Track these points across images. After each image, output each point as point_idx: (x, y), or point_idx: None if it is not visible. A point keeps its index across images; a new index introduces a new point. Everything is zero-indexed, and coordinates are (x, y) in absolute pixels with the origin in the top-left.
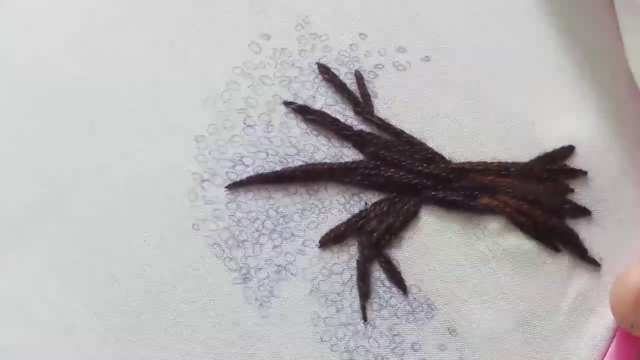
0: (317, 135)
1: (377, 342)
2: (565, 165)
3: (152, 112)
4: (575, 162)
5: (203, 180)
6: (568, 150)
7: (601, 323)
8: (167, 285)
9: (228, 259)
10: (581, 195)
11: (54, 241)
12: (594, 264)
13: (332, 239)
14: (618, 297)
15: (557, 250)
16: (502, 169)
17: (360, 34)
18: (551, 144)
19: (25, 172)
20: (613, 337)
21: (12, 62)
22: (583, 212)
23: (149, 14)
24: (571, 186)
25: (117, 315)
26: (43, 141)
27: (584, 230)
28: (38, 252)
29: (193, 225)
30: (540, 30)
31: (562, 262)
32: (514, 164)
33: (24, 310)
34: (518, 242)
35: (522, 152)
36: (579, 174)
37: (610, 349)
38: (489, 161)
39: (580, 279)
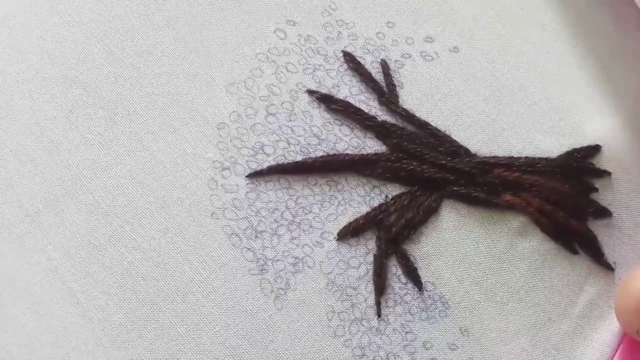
0: (340, 125)
1: (390, 339)
2: (591, 163)
3: (173, 99)
4: (600, 162)
5: (224, 169)
6: (594, 149)
7: (609, 329)
8: (184, 274)
9: (246, 249)
10: (604, 196)
11: (72, 228)
12: (608, 267)
13: (350, 232)
14: (623, 304)
15: (575, 252)
16: (528, 165)
17: (388, 22)
18: (578, 142)
19: (45, 160)
20: (620, 344)
21: (34, 49)
22: (604, 213)
23: (172, 1)
24: (595, 186)
25: (134, 302)
26: (63, 129)
27: (602, 232)
28: (56, 240)
29: (212, 214)
30: (569, 26)
31: (577, 266)
32: (540, 159)
33: (42, 298)
34: (537, 243)
35: (549, 148)
36: (603, 174)
37: (616, 356)
38: (515, 156)
39: (594, 285)
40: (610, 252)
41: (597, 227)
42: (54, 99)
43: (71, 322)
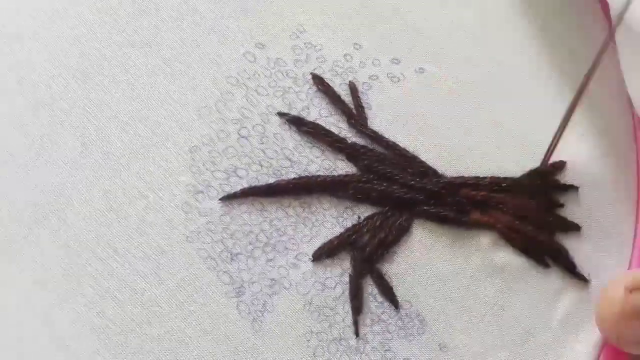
0: (311, 147)
1: (369, 357)
2: (557, 180)
3: (145, 123)
4: (567, 178)
5: (197, 192)
6: (559, 165)
7: (589, 339)
8: (160, 298)
9: (222, 272)
10: (571, 210)
11: (45, 255)
12: (582, 279)
13: (325, 253)
14: (603, 311)
15: (546, 266)
16: (494, 184)
17: (355, 44)
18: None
19: (17, 186)
20: (600, 354)
21: (7, 73)
22: (573, 227)
23: (143, 23)
24: (562, 201)
25: (112, 328)
26: (35, 154)
27: (573, 245)
28: (29, 267)
29: (187, 237)
30: (533, 45)
31: (551, 279)
32: (505, 179)
33: (18, 326)
34: (508, 258)
35: (514, 166)
36: (570, 189)
37: None
38: (481, 176)
39: (569, 296)
40: (584, 264)
41: (568, 241)
42: (24, 125)
43: (47, 350)
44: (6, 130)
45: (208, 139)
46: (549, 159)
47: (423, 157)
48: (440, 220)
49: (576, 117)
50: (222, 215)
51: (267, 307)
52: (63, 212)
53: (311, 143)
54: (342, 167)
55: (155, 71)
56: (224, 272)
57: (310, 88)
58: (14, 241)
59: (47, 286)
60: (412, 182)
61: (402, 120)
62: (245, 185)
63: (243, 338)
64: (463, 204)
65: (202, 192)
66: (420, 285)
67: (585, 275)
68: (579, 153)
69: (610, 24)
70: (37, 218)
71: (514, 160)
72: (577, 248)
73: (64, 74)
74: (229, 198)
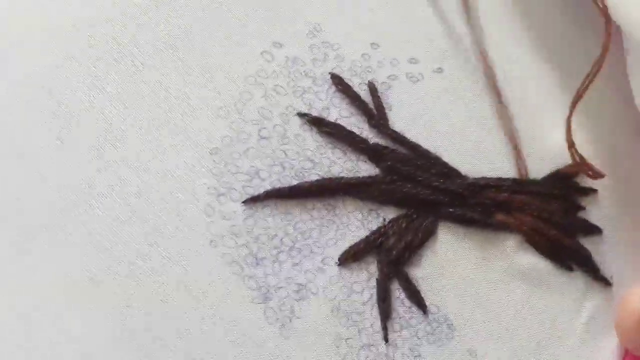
0: (332, 149)
1: None
2: (576, 182)
3: (164, 125)
4: (586, 180)
5: (219, 195)
6: (579, 168)
7: (612, 344)
8: (186, 306)
9: (247, 278)
10: (592, 213)
11: (65, 261)
12: (606, 283)
13: (351, 257)
14: (622, 320)
15: (570, 269)
16: (516, 185)
17: (372, 43)
18: (562, 161)
19: (35, 189)
20: (624, 356)
21: (23, 77)
22: (594, 231)
23: (159, 24)
24: (582, 204)
25: (136, 338)
26: (53, 157)
27: (595, 249)
28: (48, 273)
29: (211, 241)
30: (552, 45)
31: (575, 282)
32: (527, 180)
33: (37, 335)
34: (533, 261)
35: (533, 168)
36: (590, 192)
37: None
38: (503, 177)
39: (594, 299)
40: (606, 268)
41: (590, 244)
42: (39, 127)
43: (63, 355)
44: (26, 132)
45: (229, 140)
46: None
47: (445, 158)
48: (466, 222)
49: (596, 118)
50: (245, 218)
51: (295, 313)
52: (82, 216)
53: (333, 144)
54: (365, 168)
55: (172, 72)
56: (250, 277)
57: (329, 88)
58: (32, 246)
59: (67, 294)
60: (436, 184)
61: (423, 120)
62: (268, 187)
63: (272, 345)
64: (487, 205)
65: (224, 194)
66: (447, 289)
67: (608, 278)
68: (597, 155)
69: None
70: (55, 221)
71: (533, 163)
72: (597, 251)
73: (82, 77)
74: (252, 201)
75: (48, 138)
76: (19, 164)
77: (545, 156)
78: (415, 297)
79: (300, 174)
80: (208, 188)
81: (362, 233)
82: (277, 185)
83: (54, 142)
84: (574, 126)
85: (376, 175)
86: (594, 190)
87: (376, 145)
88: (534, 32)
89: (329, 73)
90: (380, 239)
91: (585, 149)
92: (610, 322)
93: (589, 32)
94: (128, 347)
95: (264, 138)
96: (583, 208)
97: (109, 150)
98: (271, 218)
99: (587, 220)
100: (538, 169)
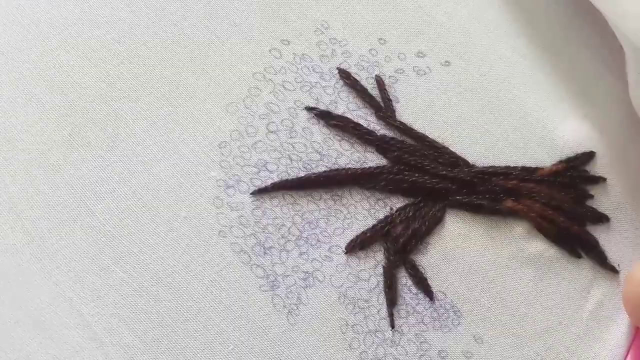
0: (340, 141)
1: (405, 349)
2: (585, 171)
3: (173, 120)
4: (595, 169)
5: (228, 187)
6: (588, 157)
7: (620, 330)
8: (195, 293)
9: (255, 266)
10: (600, 201)
11: (79, 251)
12: (612, 270)
13: (358, 245)
14: (629, 294)
15: (578, 256)
16: (525, 174)
17: (380, 39)
18: (571, 150)
19: (48, 183)
20: (631, 344)
21: (36, 74)
22: (602, 219)
23: (169, 22)
24: (591, 192)
25: (146, 324)
26: (64, 153)
27: (602, 236)
28: (63, 263)
29: (219, 232)
30: (557, 37)
31: (583, 270)
32: (535, 168)
33: (51, 322)
34: (541, 248)
35: (542, 157)
36: (599, 180)
37: (629, 356)
38: (512, 165)
39: (600, 287)
40: (613, 255)
41: (597, 232)
42: (53, 122)
43: (82, 346)
44: (38, 130)
45: (237, 134)
46: None
47: (452, 148)
48: (474, 209)
49: (603, 108)
50: (253, 209)
51: (302, 300)
52: (94, 208)
53: (340, 136)
54: (372, 159)
55: (182, 68)
56: (258, 265)
57: (337, 82)
58: (46, 237)
59: (80, 282)
60: (444, 172)
61: (430, 112)
62: (276, 179)
63: (279, 331)
64: (496, 192)
65: (232, 186)
66: (455, 275)
67: (615, 266)
68: (606, 144)
69: None
70: (68, 214)
71: (542, 152)
72: (605, 239)
73: (93, 73)
74: (260, 192)
75: (60, 133)
76: (30, 159)
77: (555, 146)
78: (422, 284)
79: (308, 166)
80: (217, 180)
81: (370, 222)
82: (285, 177)
83: (66, 136)
84: (585, 114)
85: (384, 166)
86: (603, 179)
87: (383, 136)
88: (540, 33)
89: (337, 68)
90: (387, 227)
91: (595, 139)
92: (617, 309)
93: (592, 30)
94: (139, 330)
95: (272, 132)
96: (591, 197)
97: (120, 144)
98: (279, 208)
99: (595, 209)
100: (548, 158)
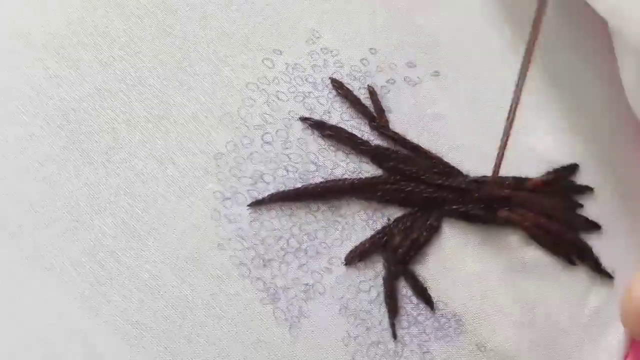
0: (335, 151)
1: None
2: (572, 181)
3: (167, 132)
4: (581, 179)
5: (225, 199)
6: (573, 168)
7: (618, 336)
8: (196, 308)
9: (255, 279)
10: (590, 209)
11: (75, 265)
12: (607, 276)
13: (357, 256)
14: (627, 309)
15: (573, 263)
16: (516, 184)
17: (371, 48)
18: (557, 162)
19: (43, 197)
20: (629, 349)
21: (25, 84)
22: (593, 227)
23: (162, 33)
24: (579, 202)
25: (147, 339)
26: (60, 166)
27: (596, 243)
28: (60, 278)
29: (218, 245)
30: (545, 48)
31: (579, 276)
32: (526, 179)
33: (49, 337)
34: (537, 256)
35: (529, 168)
36: (586, 190)
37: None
38: (503, 176)
39: (598, 292)
40: (608, 261)
41: (591, 239)
42: (47, 136)
43: (78, 358)
44: (30, 141)
45: (232, 145)
46: (498, 168)
47: (444, 159)
48: (470, 218)
49: (589, 118)
50: (251, 221)
51: (304, 313)
52: (90, 222)
53: (335, 147)
54: (367, 169)
55: (175, 80)
56: (258, 278)
57: (329, 92)
58: (44, 252)
59: (78, 296)
60: (440, 182)
61: (422, 122)
62: (272, 191)
63: (282, 345)
64: (490, 202)
65: (229, 198)
66: (454, 285)
67: (610, 272)
68: (591, 154)
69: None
70: (64, 229)
71: (529, 163)
72: (598, 246)
73: (87, 88)
74: (258, 204)
75: (57, 144)
76: (31, 169)
77: (542, 157)
78: (423, 294)
79: (304, 177)
80: (214, 193)
81: (368, 233)
82: (282, 188)
83: (62, 148)
84: (569, 125)
85: (380, 176)
86: (590, 189)
87: (378, 146)
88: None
89: (329, 78)
90: (385, 238)
91: (583, 147)
92: (614, 315)
93: (580, 42)
94: (140, 345)
95: (268, 143)
96: (581, 206)
97: (116, 157)
98: (277, 220)
99: (586, 218)
100: (536, 169)
